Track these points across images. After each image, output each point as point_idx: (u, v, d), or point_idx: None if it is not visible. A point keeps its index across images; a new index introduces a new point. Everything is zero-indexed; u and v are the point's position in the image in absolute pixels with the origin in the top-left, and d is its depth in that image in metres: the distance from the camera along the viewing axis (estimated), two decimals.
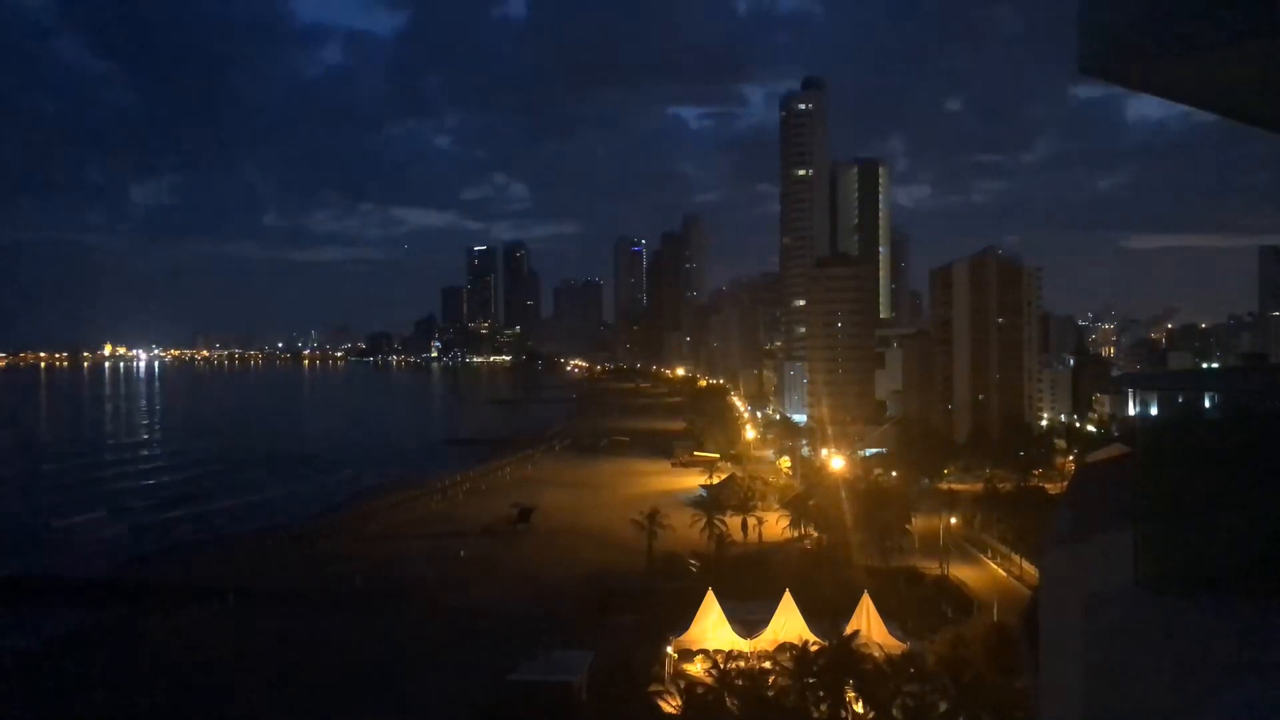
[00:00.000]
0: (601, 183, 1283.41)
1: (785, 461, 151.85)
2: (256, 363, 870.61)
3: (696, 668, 56.15)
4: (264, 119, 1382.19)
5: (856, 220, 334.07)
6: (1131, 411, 10.78)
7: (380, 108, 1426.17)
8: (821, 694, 48.33)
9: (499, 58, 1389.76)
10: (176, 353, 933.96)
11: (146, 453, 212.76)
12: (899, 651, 54.53)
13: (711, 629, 60.63)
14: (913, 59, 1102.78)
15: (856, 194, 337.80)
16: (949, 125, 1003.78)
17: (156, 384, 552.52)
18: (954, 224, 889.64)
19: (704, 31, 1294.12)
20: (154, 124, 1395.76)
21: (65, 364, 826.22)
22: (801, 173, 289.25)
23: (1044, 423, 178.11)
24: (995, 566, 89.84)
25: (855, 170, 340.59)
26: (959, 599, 77.03)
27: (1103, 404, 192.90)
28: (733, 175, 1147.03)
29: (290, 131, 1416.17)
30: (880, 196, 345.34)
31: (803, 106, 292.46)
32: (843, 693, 48.60)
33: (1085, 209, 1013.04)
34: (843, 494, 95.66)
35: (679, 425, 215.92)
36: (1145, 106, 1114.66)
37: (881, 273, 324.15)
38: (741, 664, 53.29)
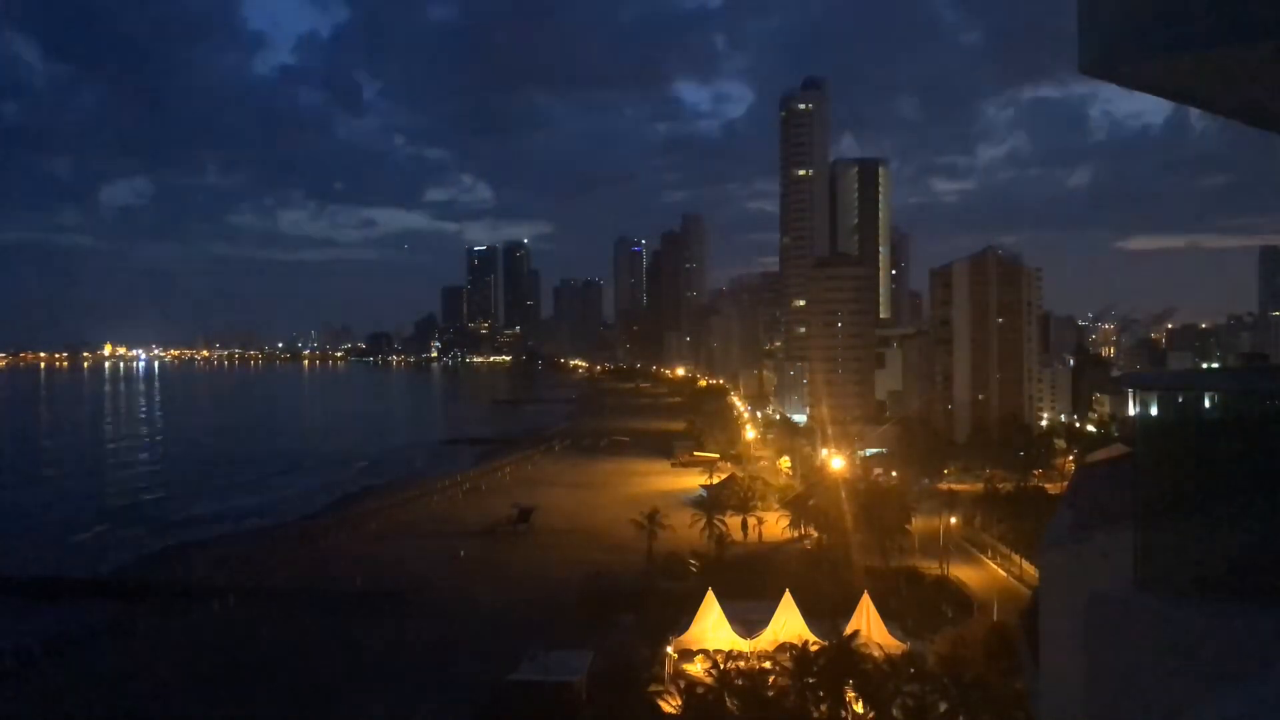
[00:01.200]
0: (566, 183, 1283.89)
1: (785, 461, 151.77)
2: (256, 363, 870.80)
3: (696, 668, 56.12)
4: (219, 121, 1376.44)
5: (856, 220, 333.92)
6: (1131, 411, 10.77)
7: (329, 109, 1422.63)
8: (821, 694, 48.31)
9: (436, 59, 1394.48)
10: (176, 353, 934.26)
11: (146, 453, 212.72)
12: (899, 651, 54.49)
13: (711, 629, 60.60)
14: (856, 56, 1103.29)
15: (856, 194, 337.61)
16: (901, 125, 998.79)
17: (156, 384, 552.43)
18: (914, 225, 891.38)
19: (634, 32, 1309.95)
20: (112, 128, 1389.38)
21: (65, 364, 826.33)
22: (801, 173, 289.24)
23: (1044, 423, 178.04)
24: (995, 566, 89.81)
25: (855, 170, 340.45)
26: (959, 599, 77.00)
27: (1103, 404, 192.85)
28: (697, 176, 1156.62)
29: (246, 133, 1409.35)
30: (880, 196, 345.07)
31: (802, 106, 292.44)
32: (843, 693, 48.58)
33: (1053, 208, 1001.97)
34: (843, 494, 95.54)
35: (679, 425, 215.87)
36: (1106, 104, 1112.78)
37: (881, 273, 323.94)
38: (741, 664, 53.26)
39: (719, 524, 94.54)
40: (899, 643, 57.15)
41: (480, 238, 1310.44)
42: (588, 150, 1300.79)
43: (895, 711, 47.04)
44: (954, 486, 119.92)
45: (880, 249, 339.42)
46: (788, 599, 60.43)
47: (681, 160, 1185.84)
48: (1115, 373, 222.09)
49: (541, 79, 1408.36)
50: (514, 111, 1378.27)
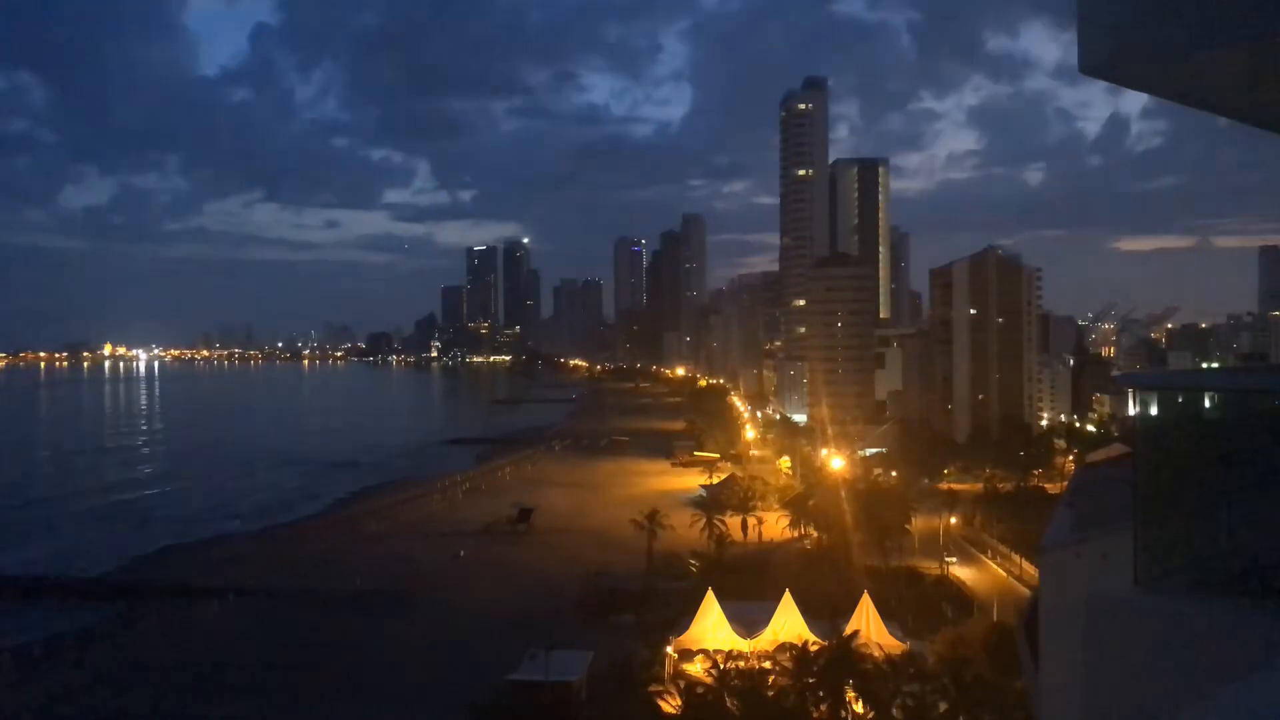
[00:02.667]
0: (520, 185, 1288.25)
1: (785, 461, 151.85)
2: (256, 362, 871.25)
3: (696, 668, 56.11)
4: (166, 124, 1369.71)
5: (856, 220, 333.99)
6: (1131, 411, 10.76)
7: (277, 112, 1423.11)
8: (821, 694, 48.29)
9: (362, 61, 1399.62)
10: (176, 353, 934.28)
11: (145, 452, 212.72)
12: (899, 651, 54.49)
13: (711, 629, 60.61)
14: (770, 52, 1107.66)
15: (856, 194, 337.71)
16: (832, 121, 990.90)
17: (156, 384, 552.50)
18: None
19: (554, 35, 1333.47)
20: (66, 128, 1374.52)
21: (65, 364, 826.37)
22: (801, 173, 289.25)
23: (1044, 423, 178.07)
24: (995, 566, 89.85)
25: (855, 170, 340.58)
26: (959, 599, 77.03)
27: (1103, 404, 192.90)
28: (640, 178, 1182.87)
29: (196, 137, 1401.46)
30: (880, 196, 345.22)
31: (802, 106, 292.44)
32: (843, 693, 48.56)
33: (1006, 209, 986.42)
34: (843, 494, 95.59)
35: (679, 425, 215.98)
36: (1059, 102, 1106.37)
37: (881, 273, 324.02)
38: (741, 664, 53.25)
39: (719, 524, 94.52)
40: (899, 643, 57.15)
41: (452, 239, 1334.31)
42: (530, 153, 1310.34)
43: (895, 711, 47.03)
44: (954, 486, 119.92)
45: (880, 249, 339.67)
46: (788, 599, 60.44)
47: (622, 161, 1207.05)
48: (1115, 373, 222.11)
49: (466, 84, 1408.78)
50: (449, 115, 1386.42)
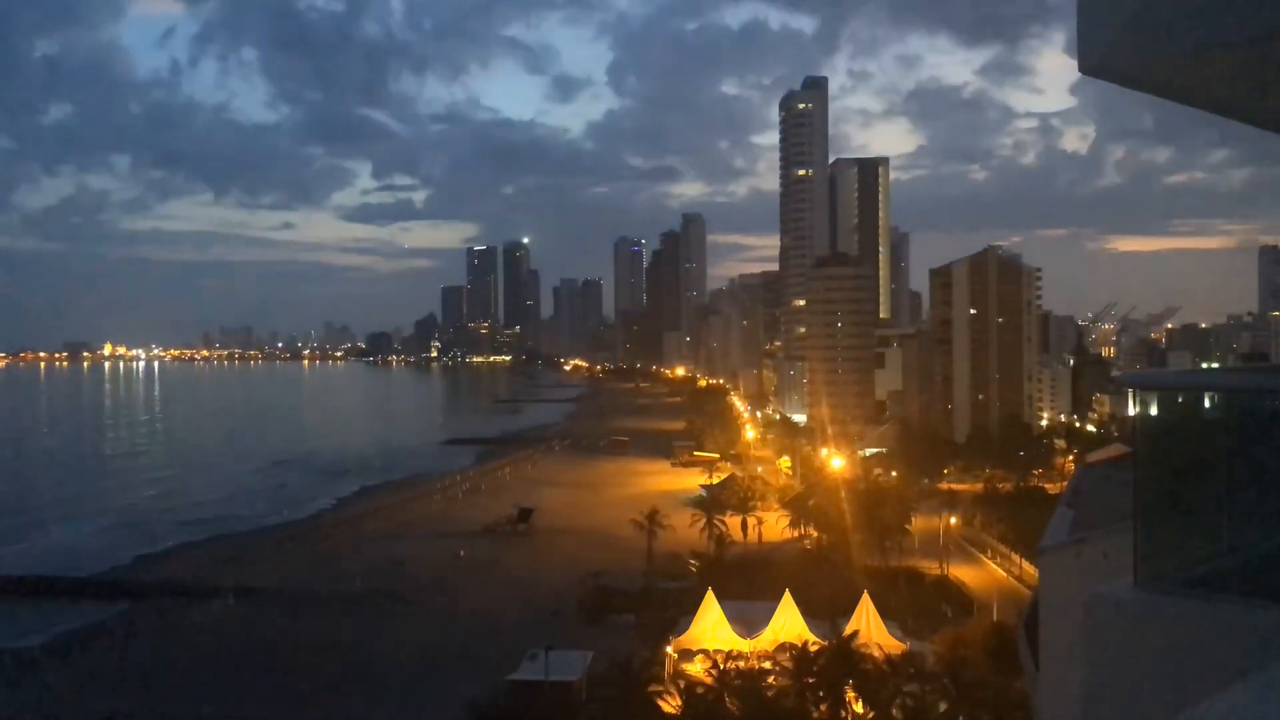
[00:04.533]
0: (469, 185, 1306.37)
1: (785, 461, 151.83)
2: (256, 362, 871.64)
3: (696, 668, 56.14)
4: (102, 123, 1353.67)
5: (856, 220, 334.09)
6: (1131, 411, 10.76)
7: (214, 113, 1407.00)
8: (821, 694, 48.33)
9: (285, 66, 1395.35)
10: (176, 353, 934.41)
11: (146, 452, 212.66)
12: (899, 651, 54.49)
13: (711, 629, 60.61)
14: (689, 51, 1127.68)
15: (856, 194, 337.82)
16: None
17: (156, 384, 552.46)
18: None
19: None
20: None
21: (65, 364, 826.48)
22: (801, 173, 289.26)
23: (1044, 423, 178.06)
24: (995, 566, 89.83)
25: (855, 170, 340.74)
26: (959, 599, 77.03)
27: (1103, 404, 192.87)
28: (586, 179, 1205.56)
29: (137, 137, 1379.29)
30: (880, 196, 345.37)
31: (802, 106, 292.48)
32: (843, 693, 48.60)
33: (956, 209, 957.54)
34: (843, 494, 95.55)
35: (679, 425, 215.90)
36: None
37: (881, 273, 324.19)
38: (741, 664, 53.28)
39: (719, 524, 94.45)
40: (899, 643, 57.16)
41: (419, 241, 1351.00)
42: (461, 155, 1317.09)
43: (895, 711, 47.05)
44: (954, 486, 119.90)
45: (880, 249, 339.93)
46: (788, 599, 60.44)
47: (556, 164, 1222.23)
48: (1115, 373, 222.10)
49: (374, 95, 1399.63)
50: (377, 122, 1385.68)
